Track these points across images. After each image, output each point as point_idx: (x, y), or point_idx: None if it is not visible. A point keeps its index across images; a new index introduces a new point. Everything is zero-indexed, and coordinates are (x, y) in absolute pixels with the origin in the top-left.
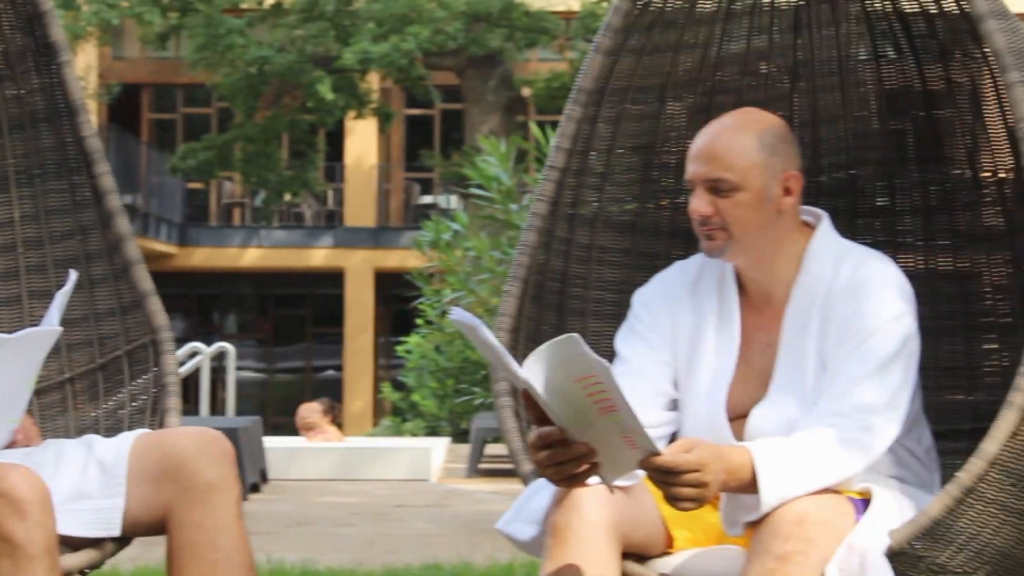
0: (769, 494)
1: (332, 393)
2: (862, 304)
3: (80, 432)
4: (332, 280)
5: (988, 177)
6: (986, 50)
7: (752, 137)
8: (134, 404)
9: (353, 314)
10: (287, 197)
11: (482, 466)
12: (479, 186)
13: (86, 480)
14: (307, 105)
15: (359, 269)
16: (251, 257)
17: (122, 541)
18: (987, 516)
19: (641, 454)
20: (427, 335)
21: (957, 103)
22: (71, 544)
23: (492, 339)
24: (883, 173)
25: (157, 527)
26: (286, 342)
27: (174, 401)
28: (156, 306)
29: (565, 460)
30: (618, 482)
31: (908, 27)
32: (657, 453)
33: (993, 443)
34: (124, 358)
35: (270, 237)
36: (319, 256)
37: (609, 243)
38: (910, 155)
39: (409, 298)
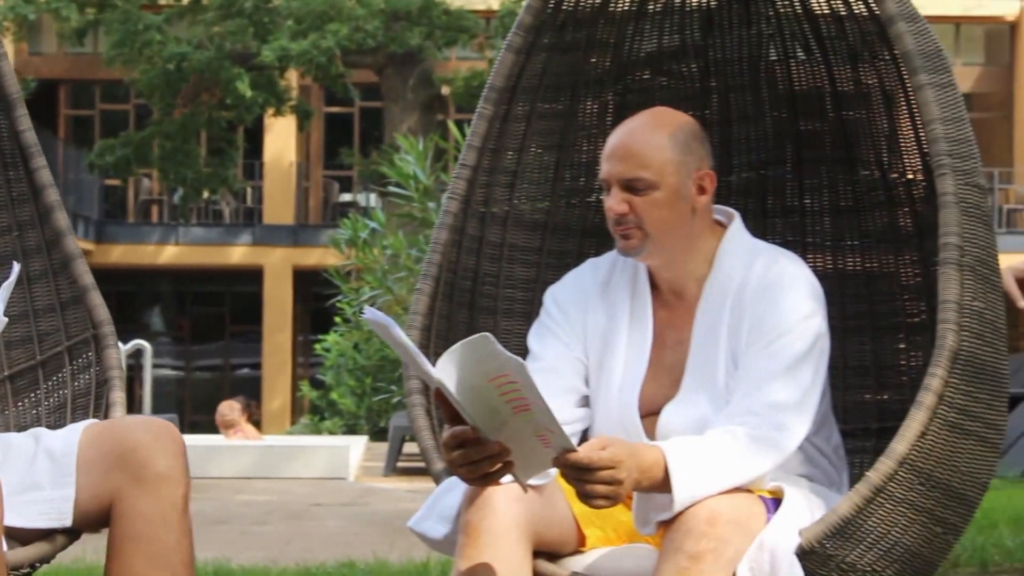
0: (681, 492)
1: (251, 391)
2: (773, 303)
3: (22, 430)
4: (251, 278)
5: (897, 178)
6: (896, 52)
7: (666, 135)
8: (77, 401)
9: (272, 312)
10: (205, 194)
11: (400, 464)
12: (397, 184)
13: (35, 471)
14: (226, 102)
15: (278, 267)
16: (169, 254)
17: (72, 534)
18: (896, 515)
19: (555, 452)
20: (345, 333)
21: (867, 105)
22: (20, 538)
23: (404, 338)
24: (794, 174)
25: (106, 517)
26: (204, 340)
27: (118, 395)
28: (97, 300)
29: (478, 459)
30: (531, 481)
31: (818, 29)
32: (573, 450)
33: (902, 443)
34: (64, 354)
35: (188, 234)
36: (238, 254)
37: (520, 241)
38: (820, 156)
39: (327, 296)
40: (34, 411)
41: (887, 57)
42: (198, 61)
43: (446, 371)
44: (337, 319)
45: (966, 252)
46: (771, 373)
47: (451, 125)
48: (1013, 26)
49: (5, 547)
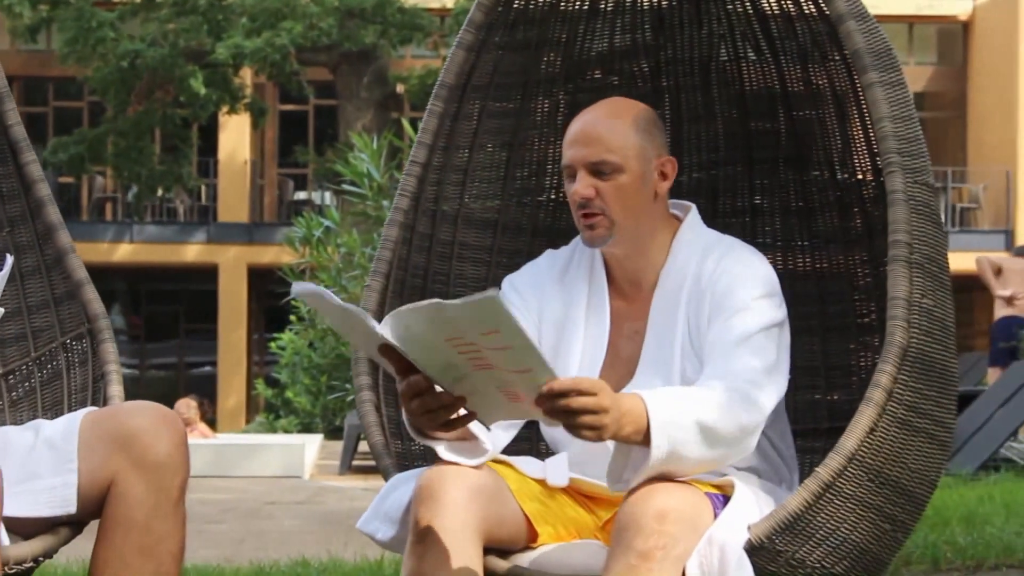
0: (660, 437)
1: (206, 389)
2: (733, 283)
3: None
4: (205, 276)
5: (848, 179)
6: (846, 52)
7: (628, 121)
8: (74, 396)
9: (226, 310)
10: (160, 192)
11: (355, 463)
12: (351, 183)
13: (35, 461)
14: (180, 100)
15: (232, 265)
16: (123, 252)
17: (75, 527)
18: (845, 511)
19: (527, 404)
20: (300, 331)
21: (818, 105)
22: (22, 532)
23: (340, 302)
24: (744, 174)
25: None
26: (159, 338)
27: (116, 389)
28: (92, 295)
29: (435, 408)
30: (497, 425)
31: (769, 29)
32: (555, 378)
33: (851, 439)
34: (60, 349)
35: (143, 232)
36: (192, 252)
37: (471, 240)
38: (771, 156)
39: (282, 294)
40: (31, 408)
41: (837, 58)
42: (152, 58)
43: (394, 329)
44: (292, 317)
45: (915, 250)
46: (735, 343)
47: (405, 123)
48: (966, 25)
49: (7, 540)
